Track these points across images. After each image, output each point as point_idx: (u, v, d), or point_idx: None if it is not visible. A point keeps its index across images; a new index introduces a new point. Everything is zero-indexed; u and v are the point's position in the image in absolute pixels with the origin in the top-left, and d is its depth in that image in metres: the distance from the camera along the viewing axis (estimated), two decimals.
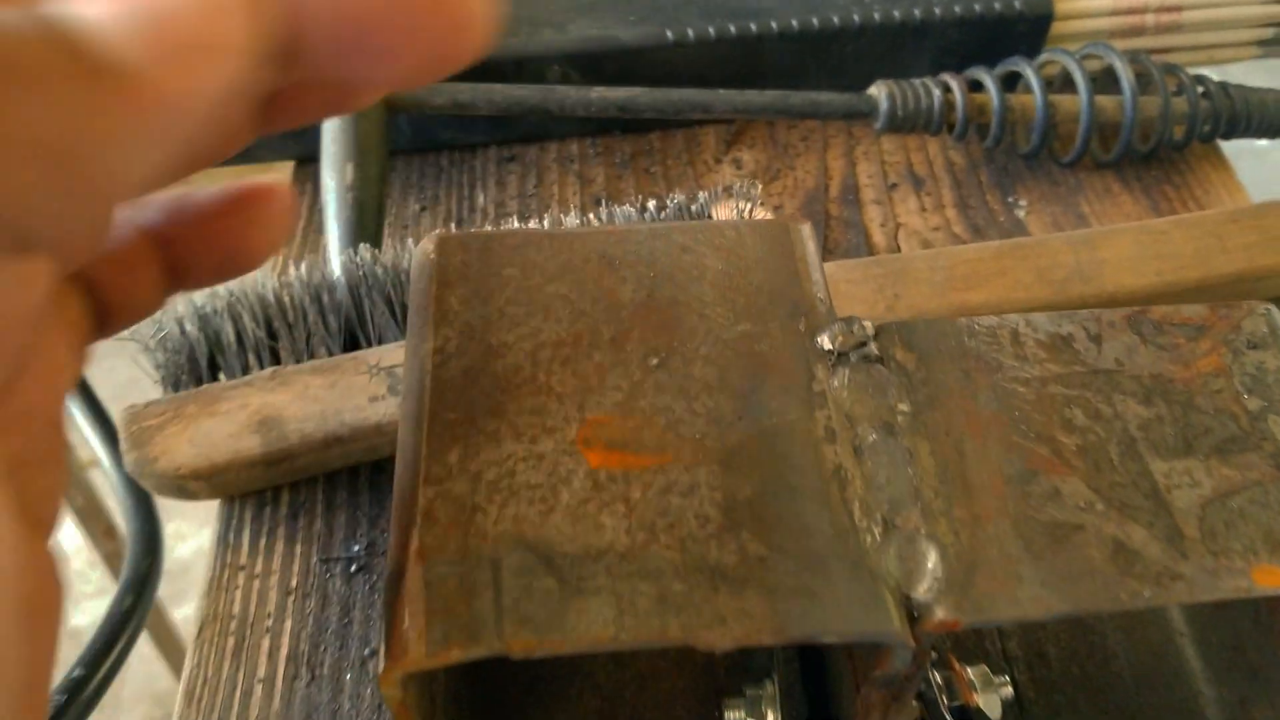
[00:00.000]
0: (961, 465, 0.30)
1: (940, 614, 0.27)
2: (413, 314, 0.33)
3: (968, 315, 0.45)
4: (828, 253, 0.50)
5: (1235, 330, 0.32)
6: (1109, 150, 0.54)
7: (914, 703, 0.31)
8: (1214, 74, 0.58)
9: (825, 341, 0.32)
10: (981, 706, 0.34)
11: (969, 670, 0.35)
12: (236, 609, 0.40)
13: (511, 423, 0.30)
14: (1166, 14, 0.57)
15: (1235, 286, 0.47)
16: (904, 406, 0.31)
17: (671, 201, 0.44)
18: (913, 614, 0.27)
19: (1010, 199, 0.53)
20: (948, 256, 0.45)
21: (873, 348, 0.32)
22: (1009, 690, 0.35)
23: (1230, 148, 0.57)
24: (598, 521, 0.28)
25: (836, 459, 0.30)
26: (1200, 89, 0.54)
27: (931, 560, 0.28)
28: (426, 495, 0.29)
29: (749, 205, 0.44)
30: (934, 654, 0.34)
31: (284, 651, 0.39)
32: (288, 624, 0.40)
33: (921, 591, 0.27)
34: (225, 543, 0.41)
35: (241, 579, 0.40)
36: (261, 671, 0.38)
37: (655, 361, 0.32)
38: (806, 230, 0.35)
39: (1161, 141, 0.53)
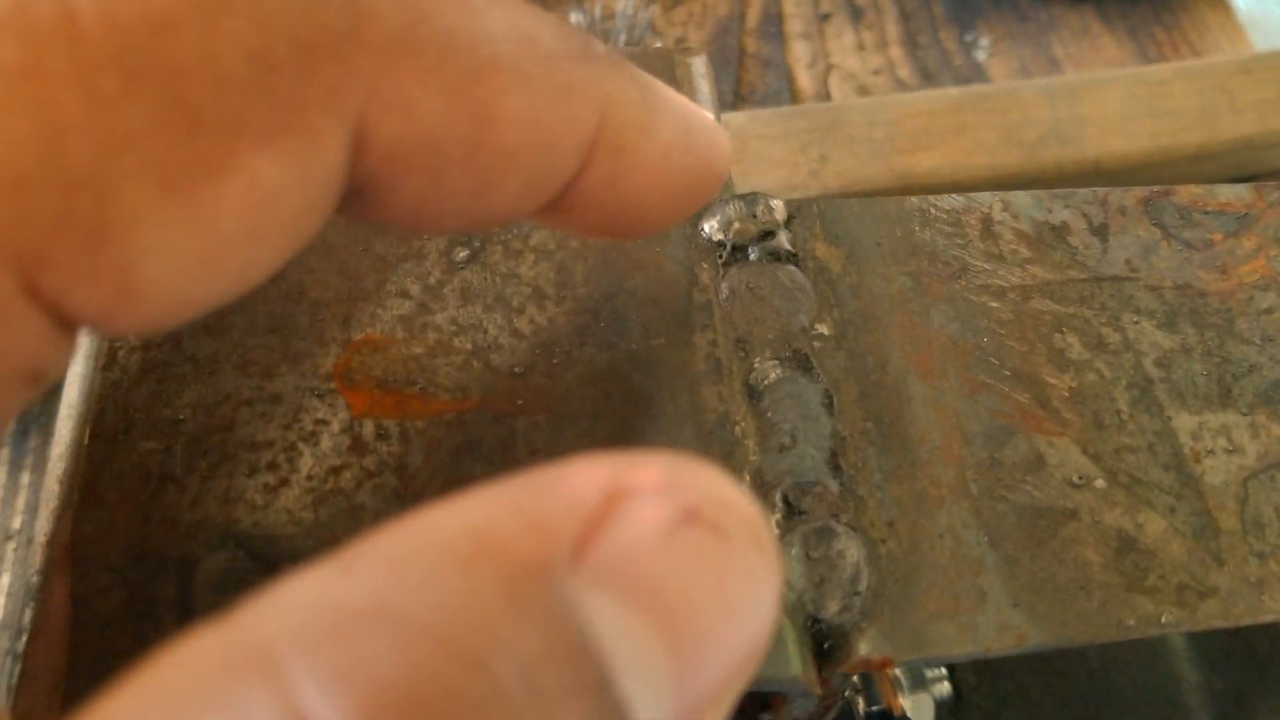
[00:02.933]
0: (903, 417, 0.20)
1: (864, 647, 0.18)
2: None
3: (915, 184, 0.35)
4: (740, 100, 0.40)
5: None
6: None
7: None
8: None
9: (714, 229, 0.22)
10: (909, 713, 0.26)
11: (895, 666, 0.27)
12: None
13: (238, 345, 0.20)
14: None
15: (1243, 154, 0.38)
16: (824, 328, 0.21)
17: None
18: (823, 645, 0.18)
19: (969, 37, 0.43)
20: (892, 108, 0.35)
21: (782, 239, 0.22)
22: (946, 687, 0.27)
23: None
24: (354, 503, 0.19)
25: (721, 405, 0.20)
26: None
27: (850, 564, 0.19)
28: (92, 457, 0.18)
29: (642, 31, 0.34)
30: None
31: None
32: None
33: (837, 613, 0.18)
34: None
35: None
36: None
37: (465, 254, 0.21)
38: (699, 66, 0.25)
39: None
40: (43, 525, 0.18)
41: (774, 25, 0.43)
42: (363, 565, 0.10)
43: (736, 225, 0.22)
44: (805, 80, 0.41)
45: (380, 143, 0.14)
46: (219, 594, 0.18)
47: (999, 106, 0.36)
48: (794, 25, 0.43)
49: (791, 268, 0.22)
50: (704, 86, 0.24)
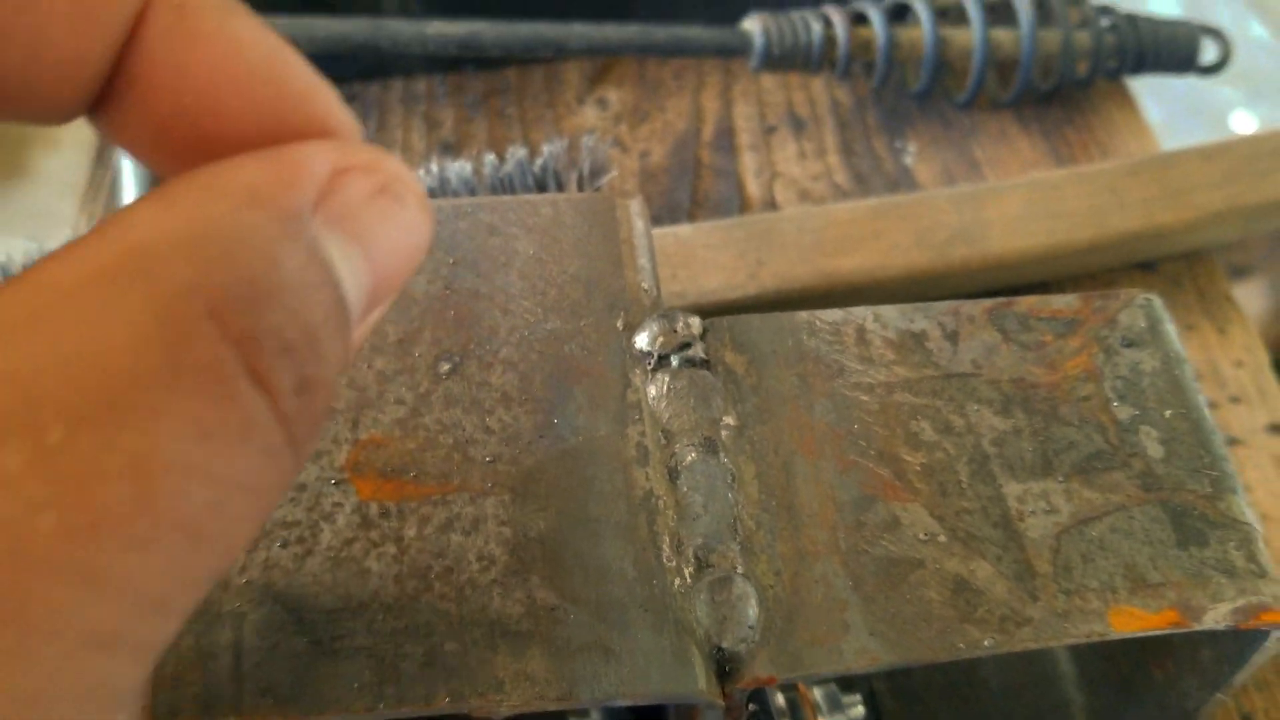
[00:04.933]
0: (790, 490, 0.26)
1: (755, 669, 0.24)
2: None
3: (840, 282, 0.41)
4: (696, 205, 0.46)
5: (1110, 325, 0.29)
6: (1008, 88, 0.50)
7: None
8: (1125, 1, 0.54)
9: (643, 342, 0.28)
10: None
11: (815, 691, 0.32)
12: None
13: None
14: None
15: (1133, 245, 0.44)
16: (730, 419, 0.27)
17: (513, 156, 0.39)
18: (724, 668, 0.24)
19: (898, 144, 0.49)
20: (818, 217, 0.41)
21: (698, 349, 0.28)
22: (859, 710, 0.32)
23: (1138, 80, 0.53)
24: (362, 567, 0.24)
25: (648, 484, 0.26)
26: (1106, 21, 0.50)
27: (748, 606, 0.24)
28: None
29: (602, 159, 0.40)
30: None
31: None
32: None
33: (734, 643, 0.24)
34: None
35: None
36: None
37: (447, 367, 0.27)
38: (635, 207, 0.31)
39: (1063, 78, 0.49)
40: None
41: (726, 139, 0.49)
42: (182, 201, 0.15)
43: (661, 339, 0.28)
44: (753, 187, 0.47)
45: None
46: (262, 638, 0.23)
47: (912, 214, 0.42)
48: (744, 138, 0.49)
49: (705, 372, 0.27)
50: (638, 225, 0.30)
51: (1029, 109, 0.51)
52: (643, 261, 0.30)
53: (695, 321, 0.28)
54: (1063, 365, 0.28)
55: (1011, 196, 0.42)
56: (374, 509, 0.25)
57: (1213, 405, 0.43)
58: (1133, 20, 0.50)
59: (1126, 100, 0.52)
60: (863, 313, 0.29)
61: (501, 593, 0.24)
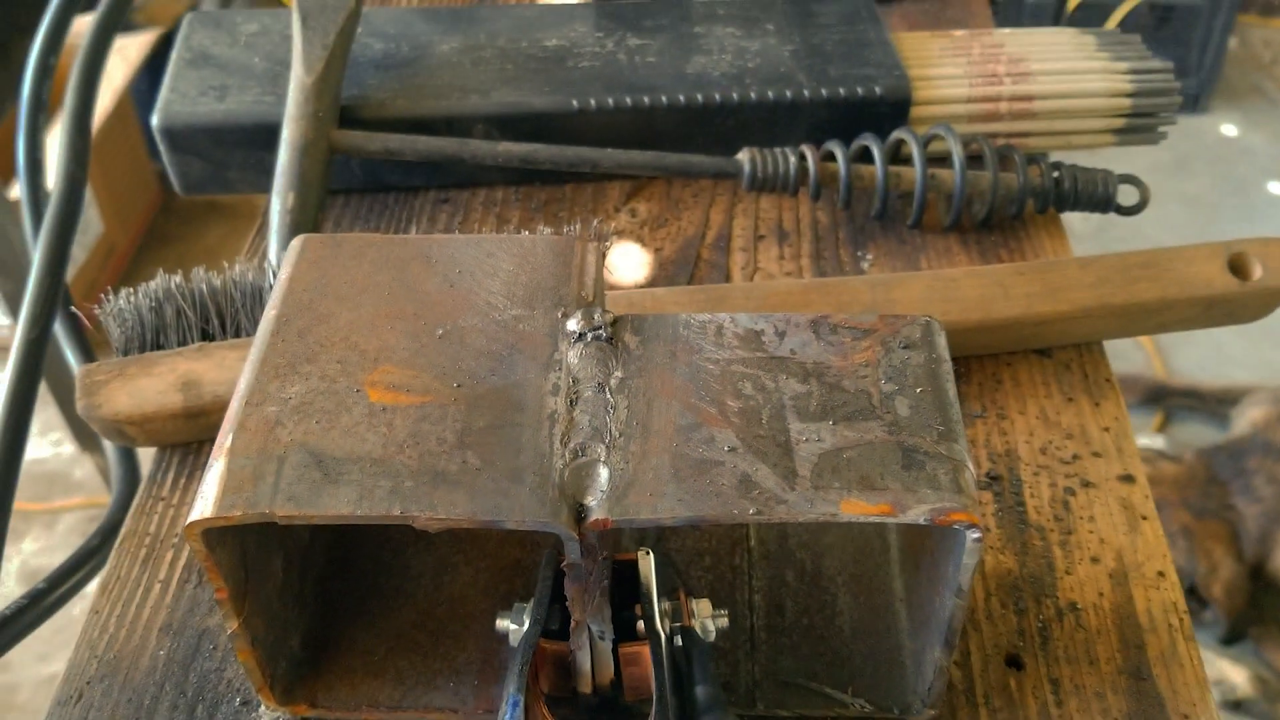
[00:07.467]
0: (647, 416, 0.39)
1: (598, 515, 0.36)
2: (273, 289, 0.44)
3: None
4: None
5: (895, 335, 0.41)
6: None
7: (605, 600, 0.40)
8: (1081, 158, 0.67)
9: (572, 325, 0.42)
10: (696, 629, 0.43)
11: (692, 601, 0.44)
12: (152, 529, 0.50)
13: (322, 368, 0.41)
14: (1019, 103, 0.66)
15: (1015, 330, 0.55)
16: (619, 374, 0.40)
17: (540, 232, 0.54)
18: (581, 516, 0.37)
19: (859, 253, 0.62)
20: (762, 289, 0.54)
21: (605, 331, 0.41)
22: (724, 621, 0.44)
23: (1091, 219, 0.65)
24: (364, 437, 0.38)
25: (555, 406, 0.39)
26: (1036, 168, 0.63)
27: (601, 479, 0.37)
28: (245, 412, 0.39)
29: (602, 243, 0.54)
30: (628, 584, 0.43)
31: (182, 562, 0.49)
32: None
33: (588, 500, 0.37)
34: (154, 480, 0.52)
35: (160, 507, 0.51)
36: (162, 575, 0.49)
37: (441, 332, 0.42)
38: (591, 246, 0.45)
39: (993, 210, 0.62)
40: (221, 440, 0.39)
41: (724, 242, 0.64)
42: None
43: (583, 323, 0.41)
44: (738, 278, 0.61)
45: None
46: (294, 470, 0.37)
47: (835, 292, 0.55)
48: (737, 242, 0.64)
49: (608, 344, 0.41)
50: (590, 258, 0.45)
51: (972, 233, 0.64)
52: (587, 280, 0.44)
53: (610, 314, 0.42)
54: (852, 356, 0.41)
55: (915, 284, 0.55)
56: (379, 407, 0.39)
57: (1077, 458, 0.53)
58: (1058, 166, 0.63)
59: (1058, 231, 0.64)
60: (723, 316, 0.42)
61: (447, 458, 0.38)
